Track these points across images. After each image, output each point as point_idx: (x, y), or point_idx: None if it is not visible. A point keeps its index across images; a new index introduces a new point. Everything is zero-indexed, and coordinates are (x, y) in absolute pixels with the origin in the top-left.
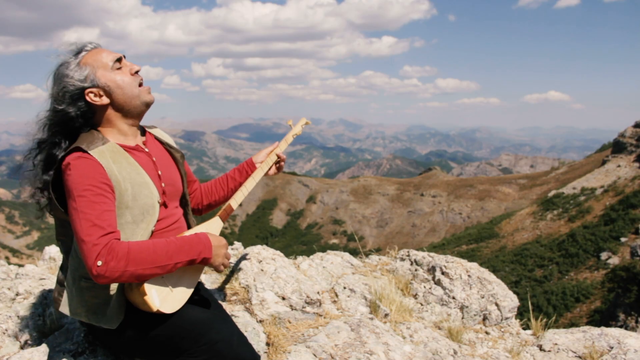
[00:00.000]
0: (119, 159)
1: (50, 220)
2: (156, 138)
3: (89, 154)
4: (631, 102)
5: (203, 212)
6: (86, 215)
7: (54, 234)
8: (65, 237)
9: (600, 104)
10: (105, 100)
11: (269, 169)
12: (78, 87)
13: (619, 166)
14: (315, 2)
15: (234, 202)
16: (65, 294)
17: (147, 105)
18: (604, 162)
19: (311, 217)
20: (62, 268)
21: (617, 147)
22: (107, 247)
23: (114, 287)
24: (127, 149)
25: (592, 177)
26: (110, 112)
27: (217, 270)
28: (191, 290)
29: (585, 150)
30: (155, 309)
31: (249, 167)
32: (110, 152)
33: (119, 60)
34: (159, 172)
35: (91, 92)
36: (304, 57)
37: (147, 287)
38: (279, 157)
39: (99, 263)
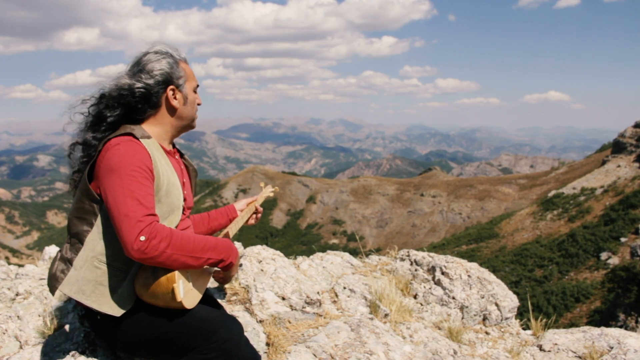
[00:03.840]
0: (159, 156)
1: (50, 220)
2: (178, 150)
3: (139, 141)
4: (631, 102)
5: None
6: (134, 194)
7: (54, 234)
8: (90, 215)
9: (600, 104)
10: (175, 104)
11: (249, 217)
12: (170, 79)
13: (619, 166)
14: (315, 2)
15: (231, 231)
16: (70, 273)
17: (191, 128)
18: (604, 162)
19: (311, 217)
20: (73, 246)
21: (617, 147)
22: (151, 226)
23: (124, 276)
24: (164, 150)
25: (592, 177)
26: (169, 115)
27: (227, 280)
28: (204, 289)
29: (585, 150)
30: (179, 300)
31: (229, 212)
32: (154, 146)
33: (197, 86)
34: (184, 180)
35: (172, 90)
36: (304, 57)
37: (178, 275)
38: (256, 209)
39: (142, 238)
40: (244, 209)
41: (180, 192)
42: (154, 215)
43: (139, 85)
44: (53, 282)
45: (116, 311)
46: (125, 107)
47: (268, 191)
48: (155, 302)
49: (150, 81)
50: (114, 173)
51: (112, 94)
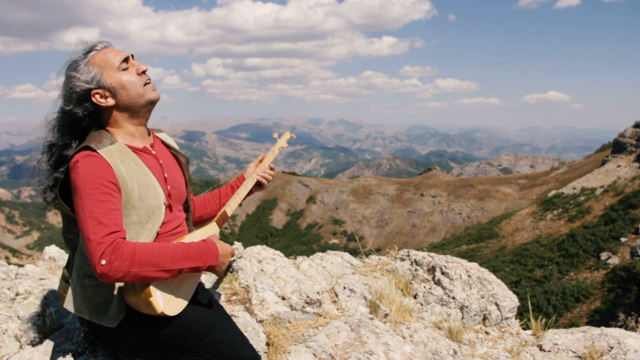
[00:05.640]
0: (126, 160)
1: (50, 220)
2: (163, 142)
3: (97, 153)
4: (631, 102)
5: (193, 224)
6: (92, 214)
7: (54, 234)
8: (72, 234)
9: (600, 104)
10: (110, 101)
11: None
12: (84, 88)
13: (618, 166)
14: (315, 1)
15: (229, 209)
16: (69, 291)
17: (152, 102)
18: (604, 162)
19: (311, 217)
20: (68, 265)
21: (617, 147)
22: (112, 247)
23: (116, 286)
24: (134, 150)
25: (592, 177)
26: (116, 113)
27: (218, 275)
28: (192, 292)
29: (585, 150)
30: (159, 311)
31: (240, 184)
32: (118, 152)
33: (126, 60)
34: (165, 175)
35: (97, 94)
36: (304, 57)
37: (153, 289)
38: (270, 168)
39: (103, 262)
40: (254, 171)
41: (157, 192)
42: (117, 232)
43: (71, 116)
44: (59, 301)
45: (111, 322)
46: (77, 134)
47: (283, 141)
48: (142, 312)
49: (70, 106)
50: (75, 194)
51: (57, 140)
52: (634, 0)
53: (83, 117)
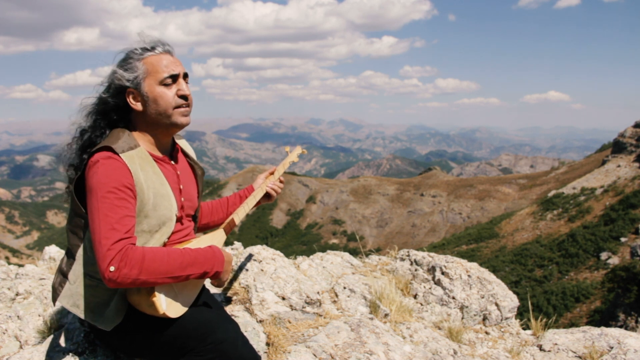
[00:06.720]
0: (146, 167)
1: (50, 220)
2: (181, 150)
3: (119, 156)
4: (631, 102)
5: (198, 231)
6: (107, 218)
7: (54, 234)
8: (79, 230)
9: (600, 104)
10: (139, 107)
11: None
12: (123, 84)
13: (618, 166)
14: (315, 1)
15: (237, 217)
16: (66, 286)
17: (176, 126)
18: (603, 162)
19: (311, 217)
20: (69, 259)
21: (617, 147)
22: (122, 253)
23: (115, 289)
24: (155, 158)
25: (592, 177)
26: (142, 120)
27: (220, 284)
28: (195, 296)
29: (585, 150)
30: (161, 312)
31: (249, 194)
32: (139, 158)
33: (174, 77)
34: (181, 187)
35: (131, 94)
36: (304, 57)
37: (157, 290)
38: (279, 179)
39: (112, 268)
40: (264, 182)
41: (171, 203)
42: (128, 237)
43: (105, 104)
44: (53, 294)
45: (108, 325)
46: (109, 124)
47: (294, 156)
48: (143, 311)
49: (107, 95)
50: (91, 195)
51: (89, 126)
52: (634, 0)
53: (115, 109)
